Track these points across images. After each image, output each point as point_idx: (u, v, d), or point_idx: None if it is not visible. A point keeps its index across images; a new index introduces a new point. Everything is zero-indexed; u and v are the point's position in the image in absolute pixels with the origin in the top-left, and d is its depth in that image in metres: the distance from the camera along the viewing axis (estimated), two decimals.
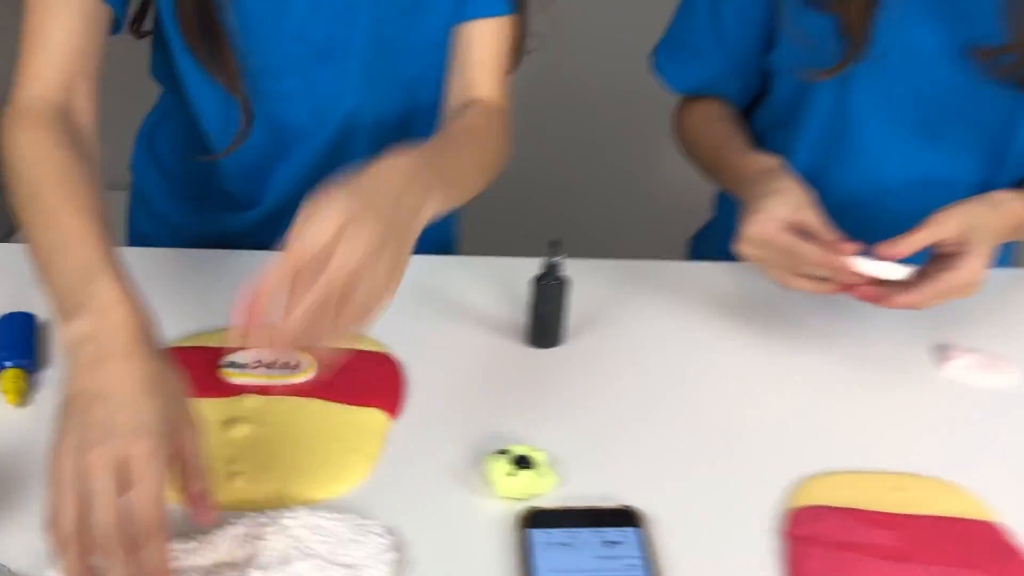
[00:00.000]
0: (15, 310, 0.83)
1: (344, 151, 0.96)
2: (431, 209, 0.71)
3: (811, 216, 0.82)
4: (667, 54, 1.07)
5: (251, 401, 0.75)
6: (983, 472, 0.76)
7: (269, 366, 0.78)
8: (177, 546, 0.61)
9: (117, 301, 0.62)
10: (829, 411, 0.82)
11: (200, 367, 0.77)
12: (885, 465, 0.76)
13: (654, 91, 1.11)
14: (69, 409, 0.58)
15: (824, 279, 0.81)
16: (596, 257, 0.99)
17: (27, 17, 0.80)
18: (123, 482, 0.55)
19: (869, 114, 0.96)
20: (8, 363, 0.76)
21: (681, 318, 0.92)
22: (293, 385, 0.77)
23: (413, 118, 0.98)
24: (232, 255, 0.96)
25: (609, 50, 1.89)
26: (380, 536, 0.64)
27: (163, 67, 0.96)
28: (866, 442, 0.79)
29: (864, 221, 0.92)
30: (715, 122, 1.04)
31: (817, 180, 0.96)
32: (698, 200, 1.22)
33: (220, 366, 0.78)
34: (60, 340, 0.63)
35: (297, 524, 0.63)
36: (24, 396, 0.75)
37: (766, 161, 0.91)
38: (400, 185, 0.68)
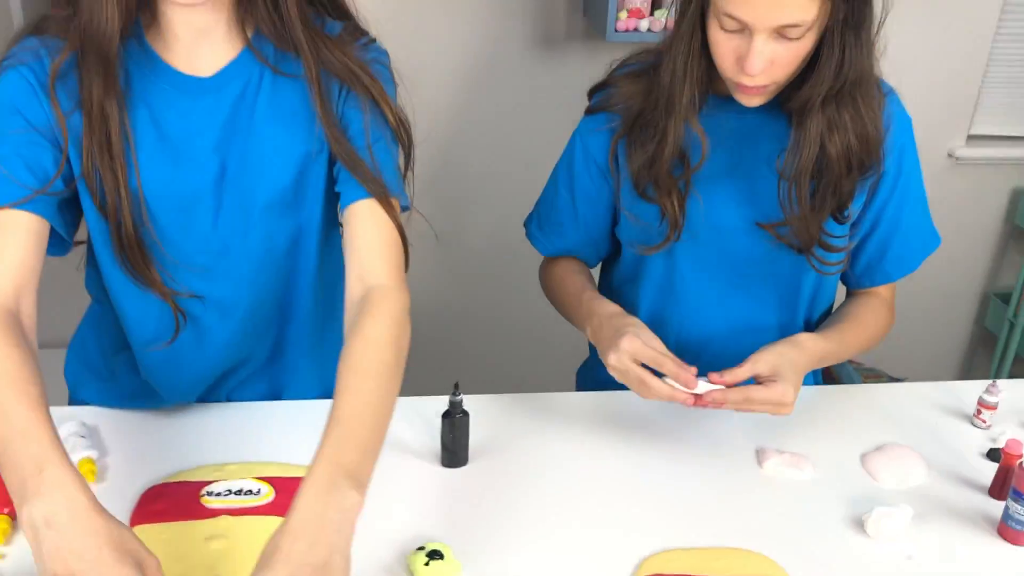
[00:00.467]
0: None
1: (250, 337, 1.15)
2: (355, 506, 0.83)
3: (658, 345, 1.08)
4: (537, 226, 1.33)
5: (225, 521, 0.98)
6: (784, 544, 1.01)
7: (237, 493, 1.01)
8: None
9: (66, 484, 0.78)
10: (673, 501, 1.07)
11: (185, 496, 1.00)
12: (713, 541, 1.01)
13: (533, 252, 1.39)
14: (73, 558, 0.75)
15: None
16: (498, 392, 1.25)
17: None
18: None
19: (690, 276, 1.23)
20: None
21: (562, 439, 1.17)
22: (257, 507, 0.99)
23: (301, 296, 1.15)
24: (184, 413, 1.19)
25: (497, 215, 2.21)
26: None
27: (95, 281, 1.15)
28: (699, 524, 1.04)
29: (695, 357, 1.20)
30: (572, 275, 1.29)
31: (658, 326, 1.24)
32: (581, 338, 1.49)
33: (200, 495, 1.00)
34: (21, 522, 0.77)
35: None
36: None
37: (614, 307, 1.17)
38: (324, 533, 0.79)
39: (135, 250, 1.03)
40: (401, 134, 1.09)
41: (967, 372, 2.86)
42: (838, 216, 1.15)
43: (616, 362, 1.07)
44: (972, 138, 2.57)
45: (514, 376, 2.47)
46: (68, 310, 1.41)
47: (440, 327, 2.48)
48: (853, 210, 1.17)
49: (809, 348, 1.14)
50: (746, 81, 1.05)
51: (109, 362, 1.21)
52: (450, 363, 2.35)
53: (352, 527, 0.83)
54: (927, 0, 2.31)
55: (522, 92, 2.28)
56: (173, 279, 1.07)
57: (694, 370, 1.07)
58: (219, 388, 1.20)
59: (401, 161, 1.11)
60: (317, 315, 1.20)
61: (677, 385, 1.06)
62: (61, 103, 0.99)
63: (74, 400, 1.24)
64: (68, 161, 1.01)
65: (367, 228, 1.04)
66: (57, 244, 1.04)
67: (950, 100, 2.49)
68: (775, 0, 0.99)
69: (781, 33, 1.01)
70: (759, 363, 1.08)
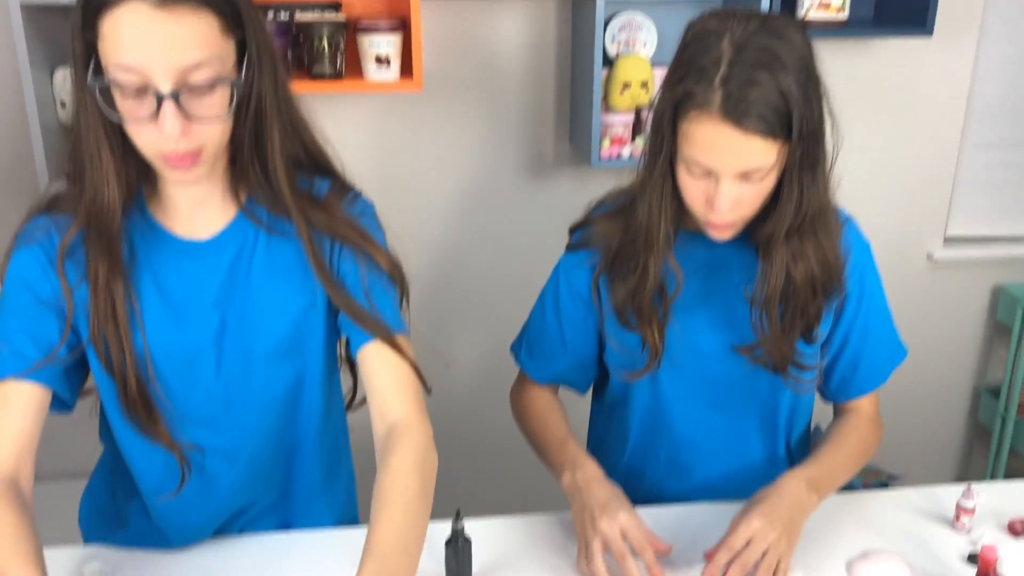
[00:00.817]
0: None
1: (256, 481, 1.22)
2: None
3: (639, 523, 1.13)
4: (527, 354, 1.40)
5: None
6: None
7: None
8: None
9: None
10: None
11: None
12: None
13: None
14: None
15: None
16: (498, 511, 1.30)
17: None
18: None
19: (675, 399, 1.31)
20: None
21: (565, 562, 1.23)
22: None
23: (295, 435, 1.21)
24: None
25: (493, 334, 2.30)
26: None
27: (106, 431, 1.23)
28: None
29: (685, 471, 1.27)
30: (553, 417, 1.34)
31: (649, 446, 1.32)
32: None
33: None
34: None
35: None
36: None
37: (598, 469, 1.22)
38: None
39: (141, 406, 1.11)
40: (395, 276, 1.18)
41: (965, 467, 2.90)
42: (807, 337, 1.24)
43: (608, 529, 1.13)
44: (949, 240, 2.67)
45: (514, 493, 2.52)
46: (83, 441, 1.48)
47: (438, 448, 2.53)
48: (821, 331, 1.26)
49: (788, 484, 1.17)
50: (715, 219, 1.15)
51: (121, 508, 1.27)
52: (451, 483, 2.40)
53: None
54: (895, 108, 2.45)
55: (514, 215, 2.40)
56: (179, 431, 1.15)
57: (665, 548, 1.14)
58: (230, 527, 1.27)
59: (400, 300, 1.19)
60: (323, 454, 1.27)
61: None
62: (69, 276, 1.09)
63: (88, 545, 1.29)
64: (74, 329, 1.10)
65: (380, 368, 1.12)
66: (61, 405, 1.12)
67: (925, 204, 2.60)
68: (737, 149, 1.08)
69: (745, 176, 1.11)
70: (735, 537, 1.11)
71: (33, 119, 1.88)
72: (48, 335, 1.09)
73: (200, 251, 1.14)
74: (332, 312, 1.18)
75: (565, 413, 1.39)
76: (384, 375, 1.13)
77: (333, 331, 1.20)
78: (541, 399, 1.40)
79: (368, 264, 1.15)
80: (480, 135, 2.31)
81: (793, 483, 1.18)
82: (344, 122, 2.20)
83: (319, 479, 1.28)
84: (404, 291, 1.20)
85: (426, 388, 1.16)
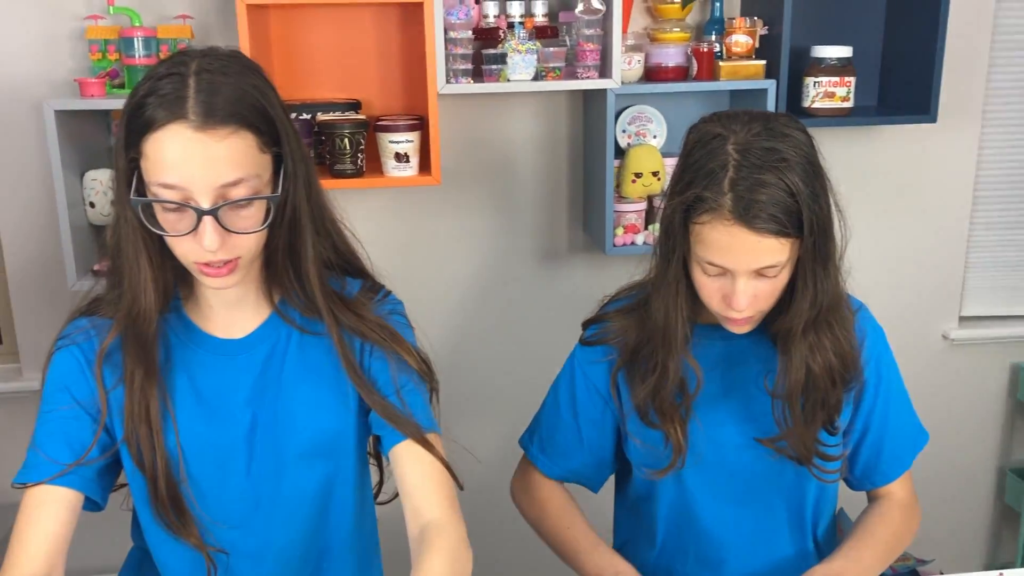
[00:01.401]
0: None
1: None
2: None
3: None
4: (539, 449, 1.38)
5: None
6: None
7: None
8: None
9: None
10: None
11: None
12: None
13: None
14: None
15: None
16: None
17: (22, 508, 1.07)
18: None
19: (701, 494, 1.30)
20: None
21: None
22: None
23: (324, 532, 1.20)
24: None
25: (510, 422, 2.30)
26: None
27: (136, 530, 1.25)
28: None
29: (715, 568, 1.25)
30: (574, 514, 1.34)
31: (678, 543, 1.30)
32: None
33: None
34: None
35: None
36: None
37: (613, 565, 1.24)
38: None
39: (171, 506, 1.13)
40: (425, 374, 1.21)
41: (994, 550, 2.85)
42: (829, 428, 1.24)
43: None
44: (964, 319, 2.68)
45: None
46: (112, 537, 1.48)
47: (476, 542, 2.50)
48: (842, 421, 1.26)
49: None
50: (734, 315, 1.17)
51: None
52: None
53: None
54: (903, 192, 2.49)
55: (531, 302, 2.43)
56: (208, 531, 1.15)
57: None
58: None
59: (430, 397, 1.21)
60: (355, 554, 1.27)
61: None
62: (106, 379, 1.12)
63: None
64: (108, 430, 1.12)
65: (413, 467, 1.14)
66: (92, 505, 1.14)
67: (938, 285, 2.62)
68: (751, 249, 1.11)
69: (760, 273, 1.13)
70: None
71: (63, 218, 1.94)
72: (82, 438, 1.11)
73: (234, 349, 1.16)
74: (364, 411, 1.20)
75: (580, 509, 1.38)
76: (417, 474, 1.14)
77: (364, 430, 1.22)
78: (556, 497, 1.38)
79: (398, 363, 1.17)
80: (496, 224, 2.36)
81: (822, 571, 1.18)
82: (362, 214, 2.25)
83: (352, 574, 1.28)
84: (434, 388, 1.22)
85: (459, 485, 1.16)
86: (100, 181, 2.00)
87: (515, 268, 2.41)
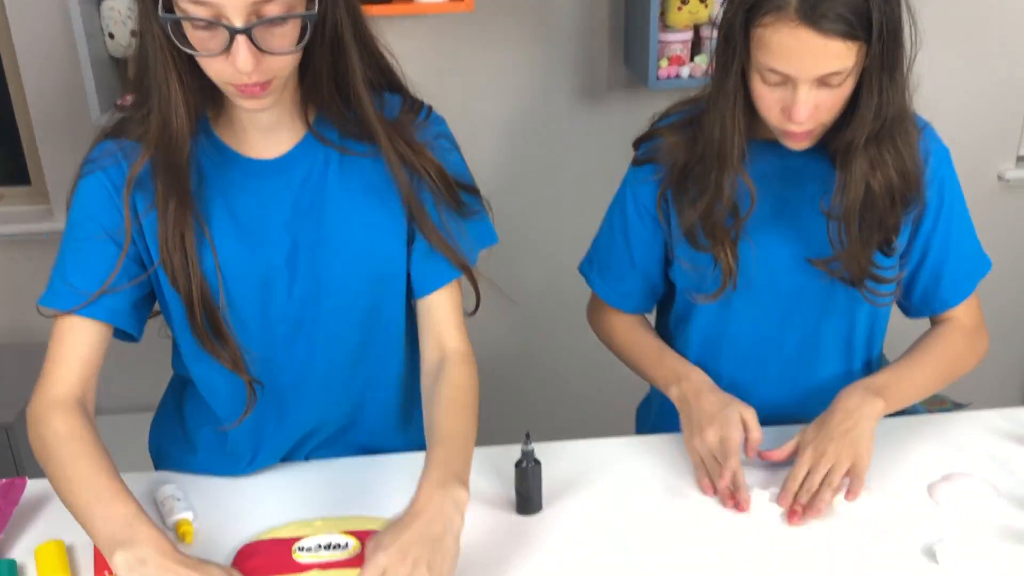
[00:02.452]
0: None
1: (328, 402, 1.22)
2: (464, 501, 0.99)
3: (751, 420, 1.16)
4: (598, 274, 1.37)
5: (316, 574, 1.03)
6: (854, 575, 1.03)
7: (327, 547, 1.06)
8: None
9: (153, 538, 0.94)
10: (743, 538, 1.10)
11: (278, 553, 1.05)
12: (785, 574, 1.04)
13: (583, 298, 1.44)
14: None
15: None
16: (563, 438, 1.29)
17: (54, 333, 1.08)
18: None
19: (744, 316, 1.27)
20: None
21: (634, 482, 1.21)
22: (345, 560, 1.05)
23: (368, 355, 1.21)
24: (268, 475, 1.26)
25: (550, 263, 2.27)
26: None
27: (176, 359, 1.24)
28: (770, 561, 1.06)
29: (747, 395, 1.23)
30: (644, 334, 1.34)
31: (711, 364, 1.28)
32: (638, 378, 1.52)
33: (292, 551, 1.06)
34: (115, 566, 0.93)
35: None
36: None
37: (703, 375, 1.24)
38: (438, 519, 0.96)
39: (210, 330, 1.11)
40: (472, 193, 1.19)
41: None
42: (885, 250, 1.19)
43: (712, 440, 1.16)
44: (1022, 159, 2.56)
45: (576, 419, 2.51)
46: (148, 376, 1.49)
47: (502, 376, 2.52)
48: (899, 243, 1.21)
49: (844, 398, 1.16)
50: (793, 128, 1.10)
51: (191, 435, 1.27)
52: (512, 411, 2.39)
53: (463, 519, 0.99)
54: (967, 24, 2.33)
55: (569, 141, 2.35)
56: (251, 351, 1.14)
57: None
58: (299, 450, 1.26)
59: (487, 209, 1.22)
60: (404, 383, 1.27)
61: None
62: (139, 204, 1.09)
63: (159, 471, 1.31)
64: (137, 259, 1.11)
65: (444, 299, 1.18)
66: (125, 336, 1.13)
67: (996, 123, 2.49)
68: (816, 53, 1.03)
69: (823, 81, 1.06)
70: (797, 469, 1.13)
71: (83, 51, 1.87)
72: (109, 268, 1.09)
73: (268, 170, 1.12)
74: (410, 241, 1.18)
75: (650, 324, 1.38)
76: (447, 310, 1.19)
77: (406, 263, 1.20)
78: (622, 322, 1.38)
79: (442, 194, 1.14)
80: (532, 58, 2.25)
81: (848, 393, 1.17)
82: (392, 45, 2.15)
83: (396, 408, 1.28)
84: (483, 206, 1.21)
85: (474, 311, 1.21)
86: (118, 10, 1.91)
87: (552, 106, 2.31)
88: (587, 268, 1.40)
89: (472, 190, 1.19)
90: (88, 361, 1.09)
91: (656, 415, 1.44)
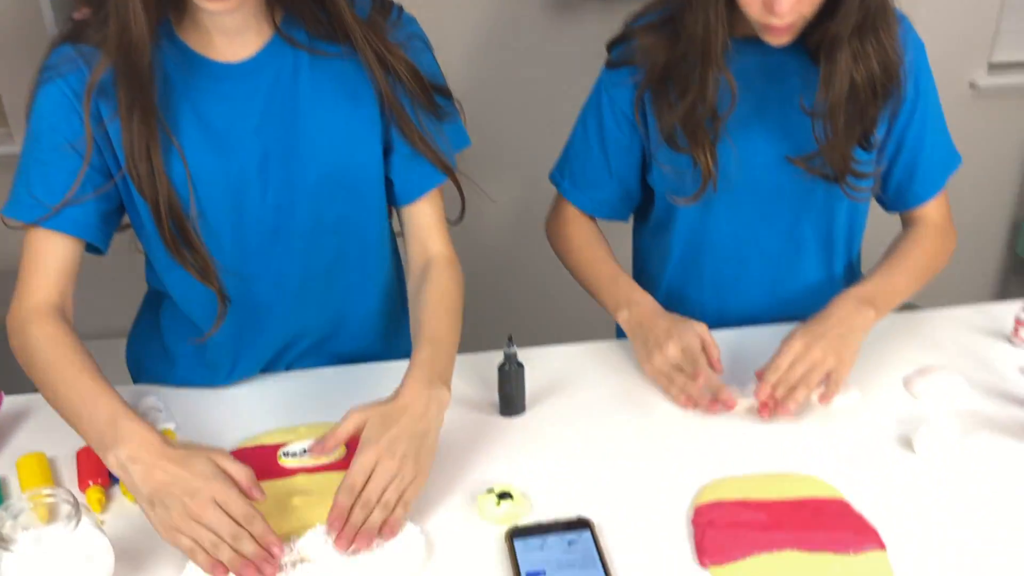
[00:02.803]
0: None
1: (306, 311, 1.21)
2: (446, 400, 1.02)
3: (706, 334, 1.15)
4: (571, 182, 1.35)
5: (302, 479, 1.03)
6: (835, 465, 1.05)
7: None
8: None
9: (138, 431, 0.93)
10: (725, 431, 1.11)
11: (264, 459, 1.05)
12: (765, 468, 1.06)
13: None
14: (158, 500, 0.89)
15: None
16: (544, 344, 1.29)
17: (26, 246, 1.08)
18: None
19: (724, 215, 1.27)
20: None
21: (614, 383, 1.22)
22: (331, 464, 1.05)
23: (345, 264, 1.20)
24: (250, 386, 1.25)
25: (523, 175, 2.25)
26: (415, 526, 0.95)
27: (150, 272, 1.23)
28: (751, 452, 1.08)
29: (729, 290, 1.24)
30: (599, 251, 1.32)
31: (692, 261, 1.28)
32: None
33: (278, 456, 1.06)
34: (110, 466, 0.93)
35: None
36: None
37: (652, 300, 1.23)
38: (422, 415, 0.97)
39: (181, 239, 1.09)
40: (448, 96, 1.17)
41: (1001, 299, 2.87)
42: (864, 144, 1.19)
43: (674, 352, 1.15)
44: (993, 67, 2.56)
45: (557, 326, 2.52)
46: (118, 302, 1.47)
47: (484, 283, 2.51)
48: (877, 136, 1.21)
49: (838, 306, 1.15)
50: (775, 22, 1.08)
51: (169, 349, 1.26)
52: (494, 318, 2.39)
53: (442, 417, 1.01)
54: None
55: (539, 55, 2.31)
56: (225, 261, 1.12)
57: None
58: (279, 360, 1.26)
59: (460, 112, 1.20)
60: (383, 291, 1.26)
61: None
62: (103, 111, 1.05)
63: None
64: (101, 170, 1.08)
65: (427, 206, 1.19)
66: (93, 249, 1.11)
67: (968, 29, 2.48)
68: None
69: None
70: (780, 359, 1.11)
71: None
72: (72, 178, 1.06)
73: (236, 73, 1.09)
74: (385, 149, 1.16)
75: (608, 244, 1.36)
76: (431, 216, 1.20)
77: (383, 166, 1.18)
78: (584, 231, 1.36)
79: (418, 96, 1.12)
80: None
81: (842, 302, 1.16)
82: None
83: (380, 318, 1.28)
84: (457, 108, 1.19)
85: (459, 219, 1.22)
86: None
87: (521, 16, 2.26)
88: (558, 176, 1.37)
89: (445, 92, 1.17)
90: (62, 271, 1.07)
91: None
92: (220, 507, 0.89)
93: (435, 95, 1.15)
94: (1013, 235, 2.79)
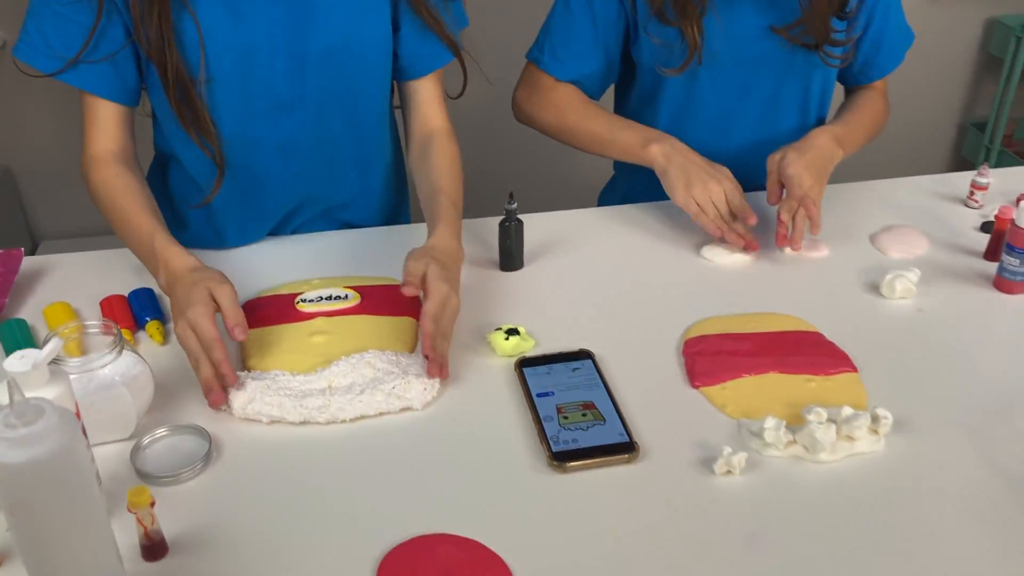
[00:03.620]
0: (138, 287, 1.16)
1: (310, 180, 1.26)
2: (461, 261, 1.11)
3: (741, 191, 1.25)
4: (551, 54, 1.37)
5: (322, 321, 1.10)
6: (812, 306, 1.15)
7: (328, 299, 1.13)
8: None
9: (173, 257, 1.05)
10: (711, 280, 1.21)
11: (282, 305, 1.12)
12: (747, 309, 1.15)
13: None
14: (179, 305, 1.00)
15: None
16: (539, 211, 1.36)
17: (82, 103, 1.15)
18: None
19: (709, 87, 1.34)
20: (149, 317, 1.10)
21: (599, 243, 1.30)
22: (348, 308, 1.12)
23: (350, 135, 1.25)
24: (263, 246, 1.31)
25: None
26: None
27: (159, 136, 1.26)
28: (734, 297, 1.17)
29: (712, 157, 1.31)
30: (593, 105, 1.38)
31: (677, 130, 1.36)
32: (602, 163, 1.59)
33: (296, 302, 1.13)
34: (159, 284, 1.07)
35: (373, 358, 1.01)
36: (164, 337, 1.08)
37: (684, 145, 1.29)
38: (454, 266, 1.08)
39: (185, 104, 1.13)
40: None
41: None
42: (840, 14, 1.28)
43: (716, 189, 1.24)
44: None
45: (548, 198, 2.58)
46: None
47: (477, 153, 2.56)
48: (853, 4, 1.30)
49: (817, 137, 1.27)
50: None
51: (178, 212, 1.31)
52: (485, 189, 2.45)
53: (460, 268, 1.11)
54: None
55: None
56: (229, 127, 1.17)
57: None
58: (285, 226, 1.31)
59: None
60: (390, 169, 1.32)
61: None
62: None
63: None
64: (126, 28, 1.11)
65: (430, 83, 1.26)
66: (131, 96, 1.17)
67: None
68: None
69: None
70: (775, 175, 1.24)
71: None
72: (86, 34, 1.09)
73: None
74: (395, 27, 1.21)
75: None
76: (433, 92, 1.27)
77: (391, 40, 1.22)
78: (570, 93, 1.38)
79: None
80: None
81: (820, 135, 1.27)
82: None
83: (384, 196, 1.34)
84: None
85: (460, 94, 1.28)
86: None
87: None
88: (538, 52, 1.39)
89: None
90: (113, 120, 1.16)
91: (621, 197, 1.52)
92: (193, 331, 0.97)
93: None
94: (960, 137, 2.92)
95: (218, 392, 0.96)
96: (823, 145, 1.26)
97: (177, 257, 1.05)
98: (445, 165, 1.21)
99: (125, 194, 1.12)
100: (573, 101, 1.39)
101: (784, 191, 1.24)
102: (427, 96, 1.27)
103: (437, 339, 1.00)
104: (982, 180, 1.35)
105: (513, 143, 2.57)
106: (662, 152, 1.28)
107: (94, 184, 1.15)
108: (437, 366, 0.99)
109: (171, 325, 1.11)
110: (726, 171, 1.27)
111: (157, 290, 1.15)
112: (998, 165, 2.75)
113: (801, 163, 1.23)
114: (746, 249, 1.24)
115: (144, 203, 1.11)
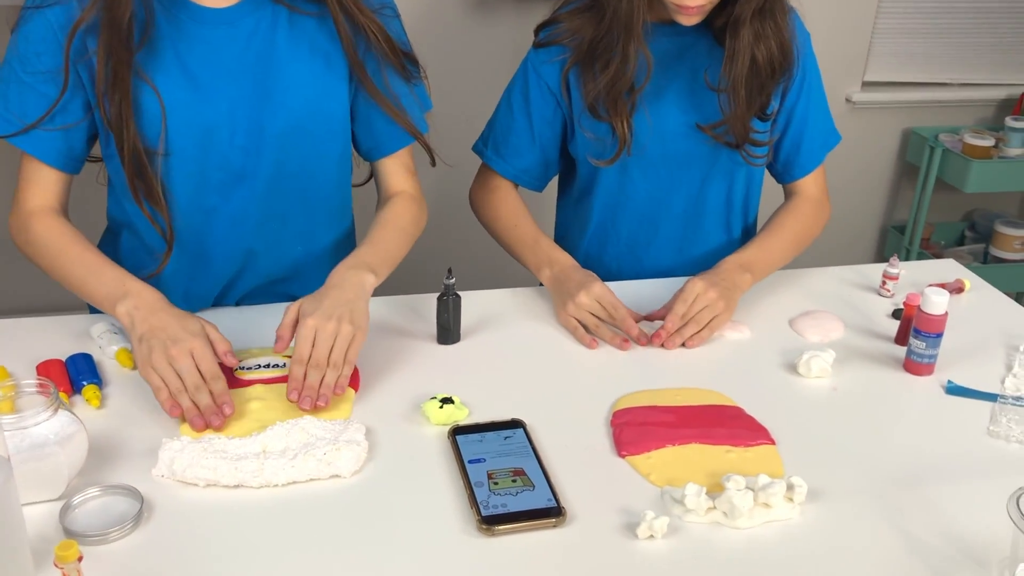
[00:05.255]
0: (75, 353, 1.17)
1: (257, 254, 1.30)
2: (371, 282, 1.17)
3: (611, 292, 1.30)
4: (493, 149, 1.47)
5: (259, 388, 1.12)
6: (732, 383, 1.21)
7: (266, 366, 1.15)
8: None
9: (145, 289, 1.10)
10: (638, 358, 1.26)
11: (223, 372, 1.13)
12: (672, 384, 1.20)
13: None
14: (145, 339, 1.03)
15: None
16: (477, 288, 1.41)
17: (22, 163, 1.19)
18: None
19: (638, 178, 1.43)
20: (86, 382, 1.10)
21: (536, 322, 1.35)
22: (283, 376, 1.14)
23: (303, 210, 1.30)
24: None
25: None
26: (360, 428, 1.04)
27: (114, 201, 1.30)
28: (660, 374, 1.22)
29: (643, 248, 1.39)
30: (522, 217, 1.45)
31: (610, 224, 1.43)
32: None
33: (236, 370, 1.15)
34: (117, 316, 1.10)
35: (308, 423, 1.03)
36: (101, 401, 1.09)
37: (570, 258, 1.38)
38: (349, 288, 1.13)
39: (139, 177, 1.16)
40: (415, 63, 1.28)
41: None
42: (761, 115, 1.37)
43: (586, 299, 1.28)
44: (867, 84, 2.84)
45: (487, 278, 2.62)
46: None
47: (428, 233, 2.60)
48: (774, 106, 1.39)
49: (724, 264, 1.34)
50: (688, 2, 1.24)
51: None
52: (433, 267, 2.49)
53: (368, 297, 1.15)
54: None
55: (458, 52, 2.43)
56: (183, 197, 1.21)
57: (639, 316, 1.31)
58: (228, 296, 1.34)
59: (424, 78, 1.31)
60: (342, 244, 1.37)
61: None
62: (89, 46, 1.13)
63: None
64: (86, 101, 1.16)
65: (395, 160, 1.33)
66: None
67: (846, 49, 2.75)
68: None
69: None
70: (685, 293, 1.28)
71: None
72: (47, 105, 1.14)
73: (219, 19, 1.18)
74: (353, 109, 1.28)
75: (528, 211, 1.49)
76: (400, 165, 1.34)
77: (349, 123, 1.29)
78: (508, 199, 1.48)
79: (388, 59, 1.24)
80: None
81: (727, 264, 1.34)
82: None
83: (327, 266, 1.36)
84: (423, 77, 1.30)
85: (432, 162, 1.33)
86: None
87: (441, 18, 2.39)
88: (482, 146, 1.49)
89: (412, 58, 1.28)
90: (55, 180, 1.21)
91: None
92: (194, 360, 1.01)
93: (404, 60, 1.26)
94: (882, 240, 3.07)
95: (219, 418, 1.03)
96: (728, 271, 1.33)
97: (147, 290, 1.10)
98: (386, 217, 1.29)
99: (75, 238, 1.18)
100: (507, 207, 1.47)
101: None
102: (392, 169, 1.35)
103: (310, 372, 1.06)
104: (893, 271, 1.44)
105: (460, 222, 2.64)
106: (548, 277, 1.37)
107: (36, 234, 1.18)
108: (306, 399, 1.06)
109: (108, 389, 1.12)
110: (597, 281, 1.31)
111: (96, 355, 1.16)
112: None
113: (705, 281, 1.29)
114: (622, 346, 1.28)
115: (96, 249, 1.17)
